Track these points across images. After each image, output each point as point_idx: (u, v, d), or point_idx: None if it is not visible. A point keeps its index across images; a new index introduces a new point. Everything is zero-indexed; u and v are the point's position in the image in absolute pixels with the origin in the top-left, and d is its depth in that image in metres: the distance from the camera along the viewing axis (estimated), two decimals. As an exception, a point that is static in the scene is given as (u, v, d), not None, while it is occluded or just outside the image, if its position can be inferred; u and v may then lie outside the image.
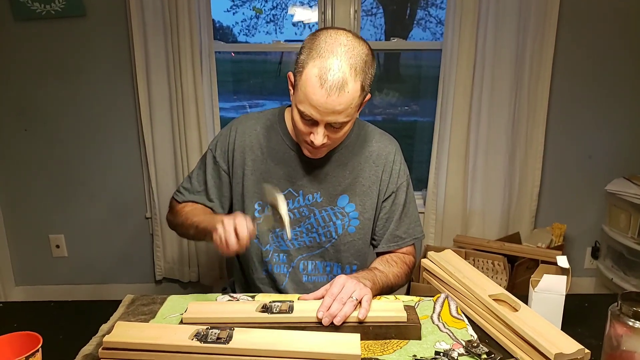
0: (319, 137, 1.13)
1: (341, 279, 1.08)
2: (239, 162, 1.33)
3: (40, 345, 0.85)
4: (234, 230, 1.04)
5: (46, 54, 2.44)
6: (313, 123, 1.14)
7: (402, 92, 3.22)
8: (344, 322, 1.00)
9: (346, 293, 1.04)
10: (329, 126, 1.13)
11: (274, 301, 1.06)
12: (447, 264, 1.21)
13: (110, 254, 2.75)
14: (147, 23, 2.33)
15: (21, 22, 2.38)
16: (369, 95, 1.19)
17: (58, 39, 2.42)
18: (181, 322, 1.03)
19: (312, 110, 1.10)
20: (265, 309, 1.02)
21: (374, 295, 1.16)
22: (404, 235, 1.36)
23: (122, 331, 0.93)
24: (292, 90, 1.18)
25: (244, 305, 1.08)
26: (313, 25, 2.75)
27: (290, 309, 1.02)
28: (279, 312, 1.01)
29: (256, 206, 1.31)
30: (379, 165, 1.32)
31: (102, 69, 2.47)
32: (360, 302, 1.04)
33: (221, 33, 2.94)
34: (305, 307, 1.04)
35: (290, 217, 1.11)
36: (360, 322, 1.00)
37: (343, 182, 1.30)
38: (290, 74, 1.17)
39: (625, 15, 2.44)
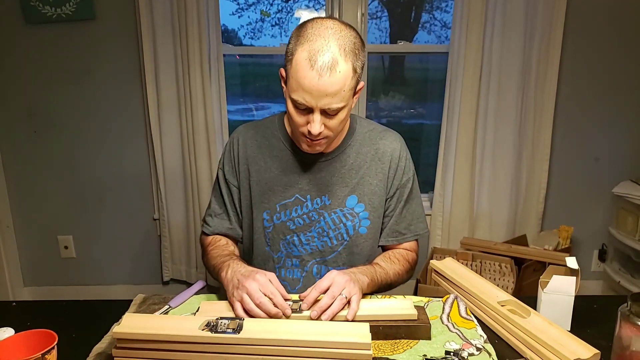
0: (315, 125, 1.10)
1: (332, 274, 1.06)
2: (244, 174, 1.32)
3: (55, 343, 0.87)
4: (263, 295, 1.02)
5: (56, 57, 2.47)
6: (308, 111, 1.11)
7: (408, 94, 3.23)
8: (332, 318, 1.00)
9: (337, 289, 1.03)
10: (325, 113, 1.10)
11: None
12: (452, 272, 1.22)
13: (118, 255, 2.77)
14: (156, 26, 2.35)
15: (32, 25, 2.41)
16: (362, 84, 1.17)
17: (68, 42, 2.44)
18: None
19: (306, 95, 1.07)
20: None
21: (371, 292, 1.17)
22: (404, 230, 1.33)
23: (131, 322, 0.93)
24: (284, 87, 1.16)
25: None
26: (320, 29, 2.76)
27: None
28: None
29: (264, 215, 1.30)
30: (385, 163, 1.30)
31: (112, 72, 2.50)
32: (349, 302, 1.03)
33: (226, 36, 2.95)
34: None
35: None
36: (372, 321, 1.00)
37: (350, 183, 1.28)
38: (282, 70, 1.16)
39: (631, 20, 2.44)
